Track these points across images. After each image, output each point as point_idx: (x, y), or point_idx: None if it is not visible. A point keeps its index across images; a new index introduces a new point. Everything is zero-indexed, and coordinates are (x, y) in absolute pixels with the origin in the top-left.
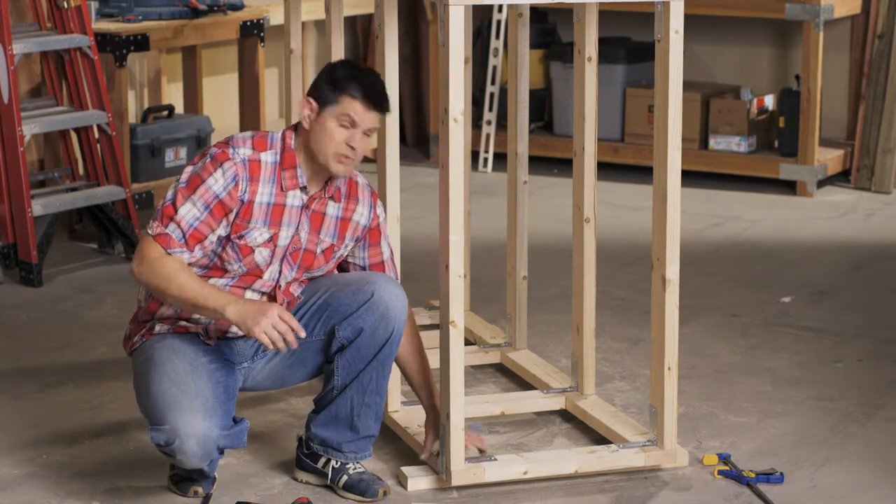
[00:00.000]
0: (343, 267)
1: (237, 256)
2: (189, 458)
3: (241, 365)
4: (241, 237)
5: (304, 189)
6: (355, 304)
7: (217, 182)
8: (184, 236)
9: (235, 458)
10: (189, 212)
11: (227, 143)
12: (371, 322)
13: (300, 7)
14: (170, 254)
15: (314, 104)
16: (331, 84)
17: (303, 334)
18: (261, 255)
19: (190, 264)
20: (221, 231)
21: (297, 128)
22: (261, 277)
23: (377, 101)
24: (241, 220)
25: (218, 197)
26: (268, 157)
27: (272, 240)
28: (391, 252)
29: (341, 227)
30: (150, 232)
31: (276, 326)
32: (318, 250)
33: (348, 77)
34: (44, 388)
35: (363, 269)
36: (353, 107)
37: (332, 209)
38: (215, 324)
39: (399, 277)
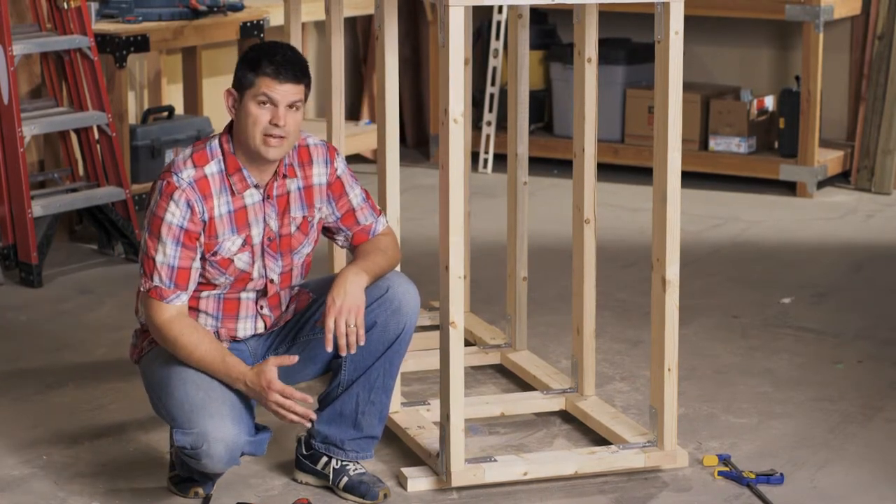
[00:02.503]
0: (330, 235)
1: (220, 271)
2: (215, 462)
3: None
4: (215, 254)
5: (256, 187)
6: (369, 299)
7: (175, 216)
8: (171, 281)
9: None
10: (165, 255)
11: (170, 170)
12: (384, 317)
13: (300, 8)
14: (168, 303)
15: (235, 93)
16: (244, 68)
17: (310, 400)
18: (241, 261)
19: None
20: (199, 254)
21: (231, 127)
22: (251, 278)
23: (289, 72)
24: (209, 238)
25: (182, 228)
26: (212, 169)
27: (247, 242)
28: (364, 196)
29: (307, 196)
30: (141, 289)
31: (282, 405)
32: (293, 228)
33: (258, 56)
34: (44, 389)
35: (336, 223)
36: (267, 83)
37: (294, 184)
38: (225, 329)
39: (381, 214)
